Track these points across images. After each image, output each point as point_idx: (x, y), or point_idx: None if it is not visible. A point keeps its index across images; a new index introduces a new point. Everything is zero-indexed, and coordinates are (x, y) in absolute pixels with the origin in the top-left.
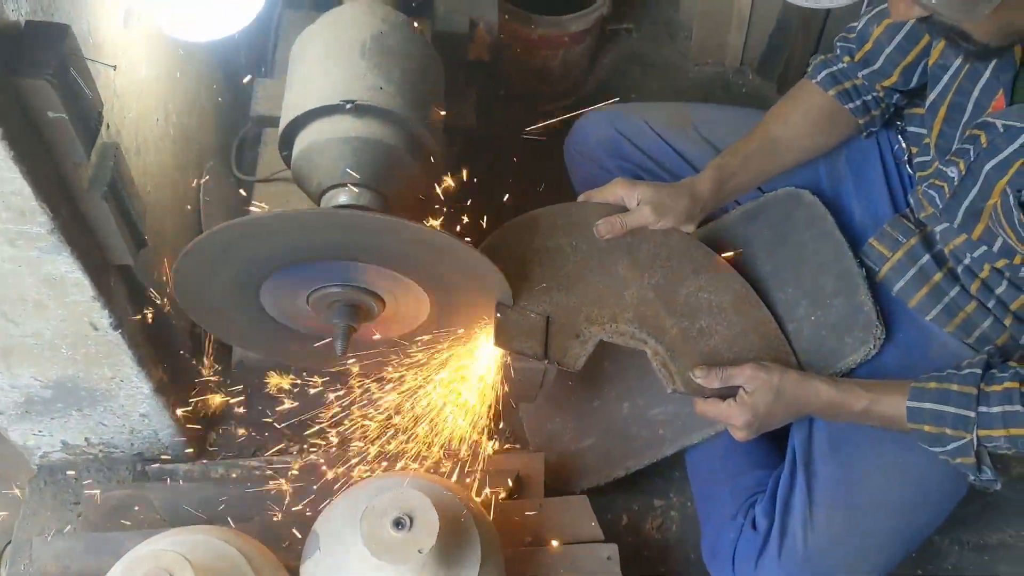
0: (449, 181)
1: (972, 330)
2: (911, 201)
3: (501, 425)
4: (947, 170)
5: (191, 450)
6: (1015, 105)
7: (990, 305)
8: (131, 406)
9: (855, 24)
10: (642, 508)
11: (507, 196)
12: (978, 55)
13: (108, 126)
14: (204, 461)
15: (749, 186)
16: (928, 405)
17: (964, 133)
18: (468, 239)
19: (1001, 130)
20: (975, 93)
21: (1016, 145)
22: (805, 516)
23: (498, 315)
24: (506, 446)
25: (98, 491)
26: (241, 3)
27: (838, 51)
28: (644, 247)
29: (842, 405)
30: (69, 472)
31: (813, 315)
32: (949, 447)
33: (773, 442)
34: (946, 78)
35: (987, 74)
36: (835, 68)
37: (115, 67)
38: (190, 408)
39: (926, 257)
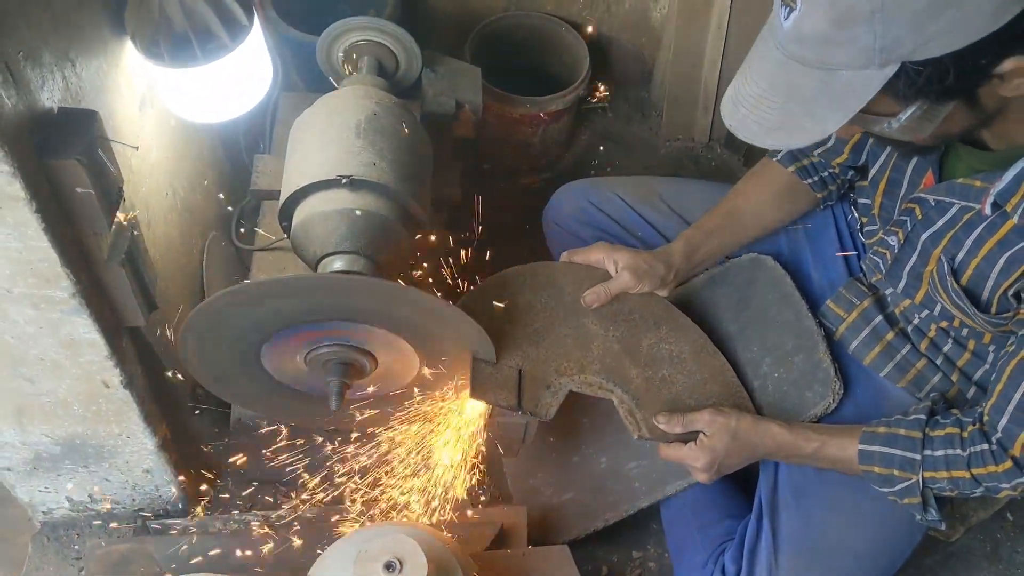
0: (436, 247)
1: (923, 385)
2: (863, 267)
3: (486, 479)
4: (888, 239)
5: (191, 505)
6: (943, 182)
7: (938, 362)
8: (135, 462)
9: None
10: (621, 559)
11: (488, 260)
12: (915, 153)
13: (125, 200)
14: (203, 516)
15: (716, 256)
16: (877, 448)
17: (902, 206)
18: (450, 300)
19: (933, 204)
20: (908, 171)
21: (947, 217)
22: (770, 562)
23: (474, 368)
24: (490, 499)
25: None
26: (246, 89)
27: None
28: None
29: (794, 446)
30: (72, 529)
31: (776, 372)
32: (897, 487)
33: (742, 492)
34: (883, 156)
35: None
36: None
37: (137, 147)
38: (190, 464)
39: (879, 318)
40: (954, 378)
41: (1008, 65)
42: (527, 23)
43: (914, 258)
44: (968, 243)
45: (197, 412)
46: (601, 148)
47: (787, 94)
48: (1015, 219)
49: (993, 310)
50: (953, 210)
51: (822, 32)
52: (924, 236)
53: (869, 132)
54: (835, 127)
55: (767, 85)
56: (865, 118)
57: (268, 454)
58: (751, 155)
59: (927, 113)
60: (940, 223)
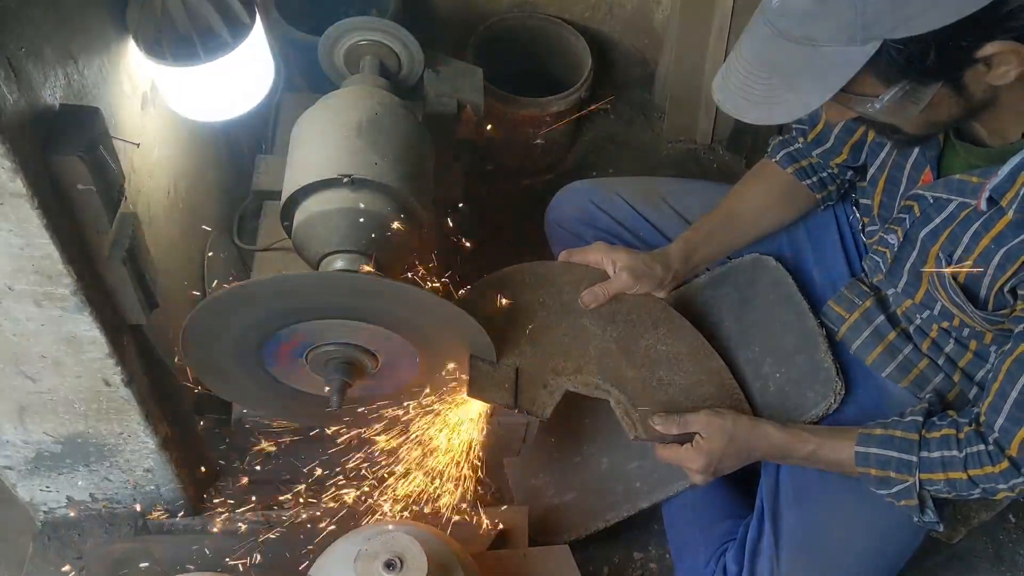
0: (437, 247)
1: (925, 385)
2: (864, 266)
3: (487, 479)
4: (887, 237)
5: (191, 505)
6: (941, 179)
7: (940, 362)
8: (136, 461)
9: None
10: (623, 560)
11: (489, 261)
12: (908, 143)
13: (126, 197)
14: (204, 515)
15: (714, 257)
16: (873, 450)
17: (901, 203)
18: (449, 299)
19: (931, 201)
20: (907, 168)
21: (945, 214)
22: (772, 562)
23: (472, 367)
24: (491, 499)
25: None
26: (248, 88)
27: (794, 132)
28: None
29: (790, 448)
30: (72, 528)
31: (777, 372)
32: (894, 489)
33: (743, 493)
34: (883, 154)
35: (916, 152)
36: (792, 148)
37: (139, 144)
38: (191, 463)
39: (881, 318)
40: (956, 378)
41: (990, 49)
42: (530, 24)
43: (913, 256)
44: (965, 239)
45: (196, 413)
46: (603, 149)
47: (772, 69)
48: (1010, 214)
49: (990, 307)
50: (951, 207)
51: (806, 6)
52: (923, 233)
53: (857, 114)
54: (817, 103)
55: (755, 60)
56: (849, 97)
57: (269, 453)
58: (753, 156)
59: (910, 94)
60: (938, 220)
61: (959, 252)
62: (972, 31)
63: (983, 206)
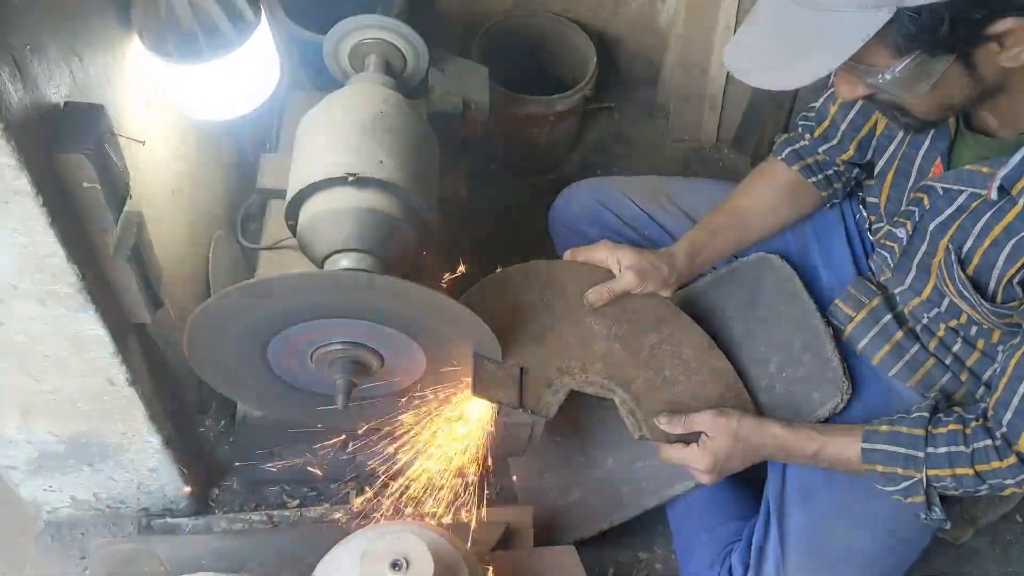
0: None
1: (932, 384)
2: (872, 265)
3: (493, 479)
4: (896, 231)
5: (195, 504)
6: (952, 170)
7: (947, 362)
8: (141, 461)
9: (814, 103)
10: (628, 561)
11: (492, 261)
12: (916, 128)
13: (131, 196)
14: (208, 515)
15: (719, 257)
16: (880, 446)
17: (909, 196)
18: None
19: (941, 192)
20: (917, 160)
21: (955, 206)
22: (778, 563)
23: (476, 366)
24: (496, 499)
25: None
26: (252, 87)
27: (800, 129)
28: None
29: (796, 447)
30: (76, 528)
31: (784, 371)
32: (900, 486)
33: (749, 493)
34: (892, 147)
35: (926, 143)
36: (797, 145)
37: (144, 142)
38: (196, 462)
39: (888, 317)
40: (963, 378)
41: (1002, 25)
42: (534, 23)
43: (923, 248)
44: (975, 231)
45: (200, 412)
46: (608, 148)
47: (784, 36)
48: (1021, 204)
49: (998, 299)
50: (961, 198)
51: None
52: (932, 225)
53: (867, 89)
54: (826, 70)
55: (767, 26)
56: (859, 68)
57: (273, 453)
58: (758, 155)
59: (921, 67)
60: (948, 211)
61: (968, 244)
62: (986, 4)
63: (994, 196)
